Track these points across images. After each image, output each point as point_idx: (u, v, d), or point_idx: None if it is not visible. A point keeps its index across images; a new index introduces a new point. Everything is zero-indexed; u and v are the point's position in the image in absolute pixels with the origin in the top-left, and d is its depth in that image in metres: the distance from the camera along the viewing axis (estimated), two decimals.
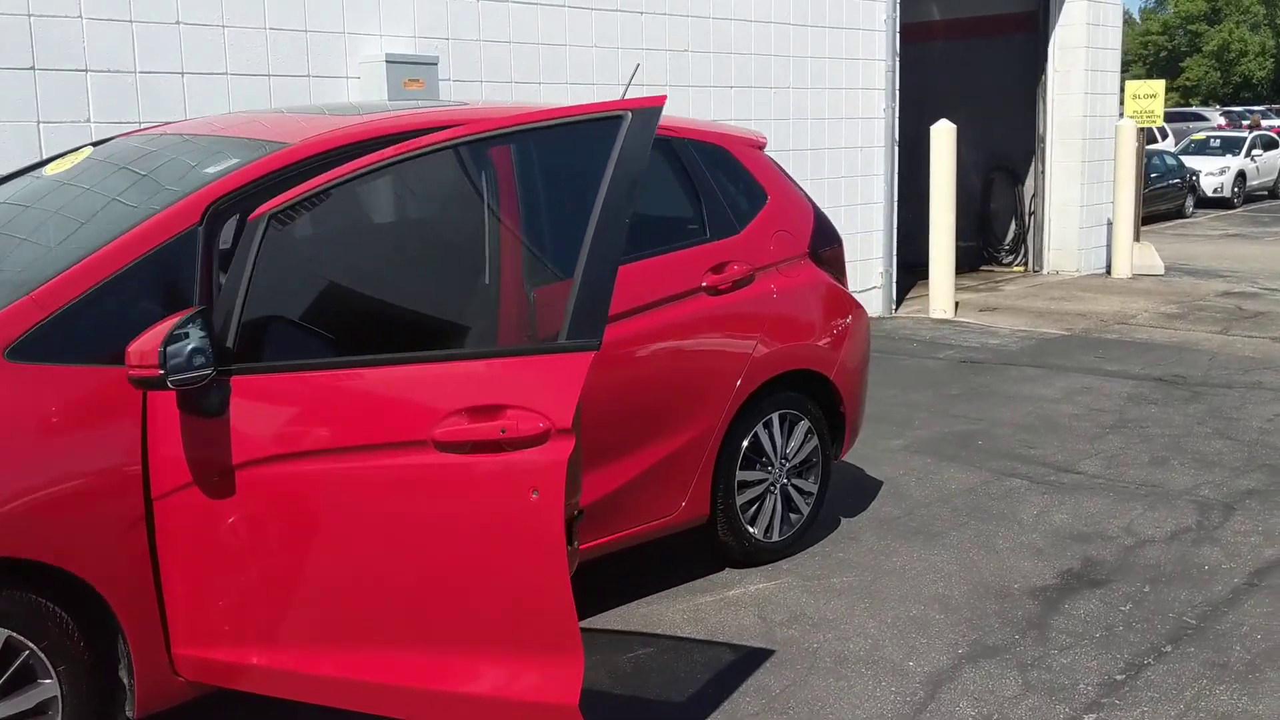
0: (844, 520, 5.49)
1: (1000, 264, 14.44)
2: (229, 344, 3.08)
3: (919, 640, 4.26)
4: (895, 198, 10.98)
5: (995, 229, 14.57)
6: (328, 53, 6.99)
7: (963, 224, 14.40)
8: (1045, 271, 13.67)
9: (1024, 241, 14.15)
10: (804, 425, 4.99)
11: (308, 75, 6.89)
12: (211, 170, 3.57)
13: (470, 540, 2.80)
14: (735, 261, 4.70)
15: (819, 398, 5.08)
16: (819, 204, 5.32)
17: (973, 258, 14.59)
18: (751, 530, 4.86)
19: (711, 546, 4.86)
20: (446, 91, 7.46)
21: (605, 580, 4.73)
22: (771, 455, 4.88)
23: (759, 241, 4.83)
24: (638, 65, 5.97)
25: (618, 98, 3.37)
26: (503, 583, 2.80)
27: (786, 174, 5.18)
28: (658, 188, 4.72)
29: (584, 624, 4.37)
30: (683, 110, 8.95)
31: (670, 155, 4.68)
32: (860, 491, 5.89)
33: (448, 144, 3.12)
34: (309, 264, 3.23)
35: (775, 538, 4.97)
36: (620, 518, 4.35)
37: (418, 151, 3.09)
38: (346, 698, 3.03)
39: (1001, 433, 6.93)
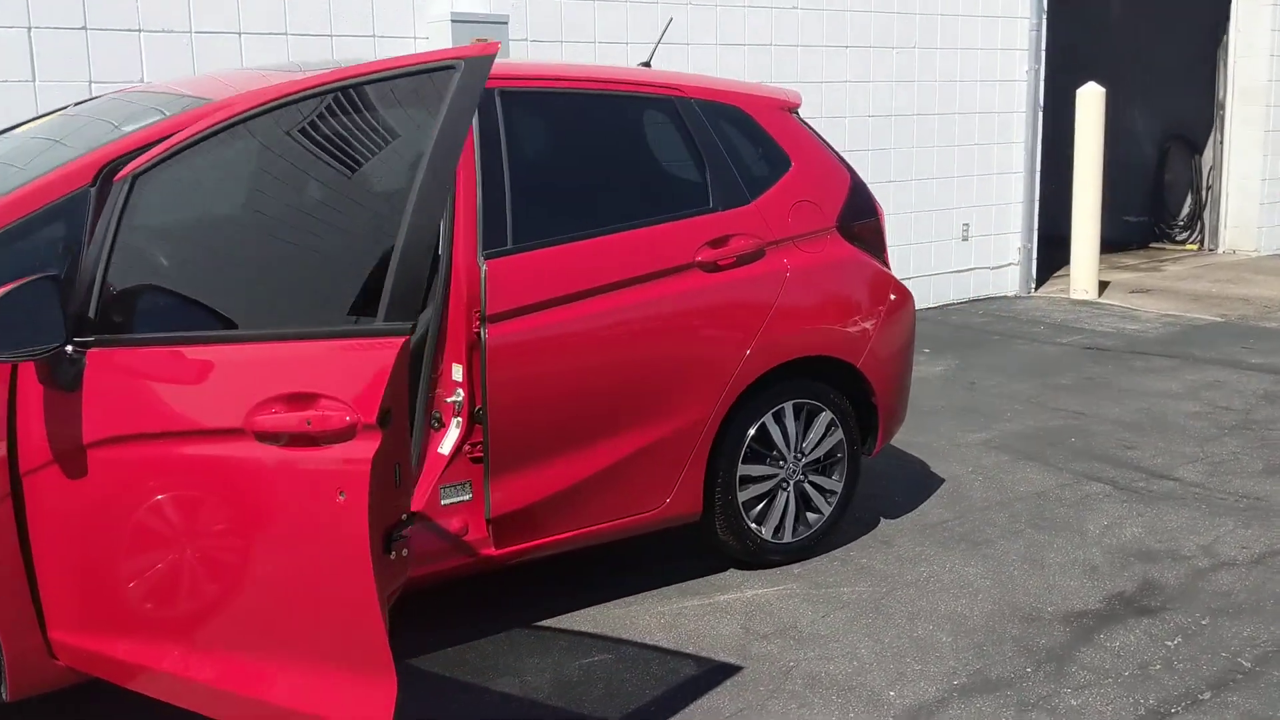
0: (883, 521, 4.99)
1: (1173, 241, 13.29)
2: (90, 314, 2.87)
3: (913, 666, 3.78)
4: (1037, 167, 10.15)
5: (1169, 203, 13.42)
6: (394, 10, 6.80)
7: (1134, 198, 13.38)
8: (1220, 250, 12.51)
9: (1199, 217, 12.98)
10: (825, 417, 4.52)
11: (372, 35, 6.72)
12: (126, 129, 3.37)
13: (282, 542, 2.52)
14: (741, 234, 4.26)
15: (847, 388, 4.59)
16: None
17: (1143, 234, 13.51)
18: (758, 530, 4.43)
19: (711, 546, 4.46)
20: (521, 52, 7.18)
21: (596, 573, 4.40)
22: (783, 449, 4.43)
23: (774, 213, 4.37)
24: (670, 20, 5.57)
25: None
26: (311, 591, 2.51)
27: (820, 138, 4.69)
28: (655, 151, 4.33)
29: (552, 622, 4.06)
30: (789, 74, 8.44)
31: (672, 115, 4.27)
32: (915, 489, 5.36)
33: (271, 105, 2.79)
34: (176, 231, 2.99)
35: (787, 539, 4.52)
36: (589, 511, 4.01)
37: (249, 113, 2.78)
38: (176, 694, 2.80)
39: (1101, 430, 6.24)
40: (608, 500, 4.04)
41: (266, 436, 2.52)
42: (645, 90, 4.25)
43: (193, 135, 2.85)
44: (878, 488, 5.36)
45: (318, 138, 2.76)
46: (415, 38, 6.87)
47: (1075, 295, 10.02)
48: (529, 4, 7.25)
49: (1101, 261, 11.52)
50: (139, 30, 6.04)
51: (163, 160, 2.87)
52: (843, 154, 4.58)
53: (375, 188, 2.76)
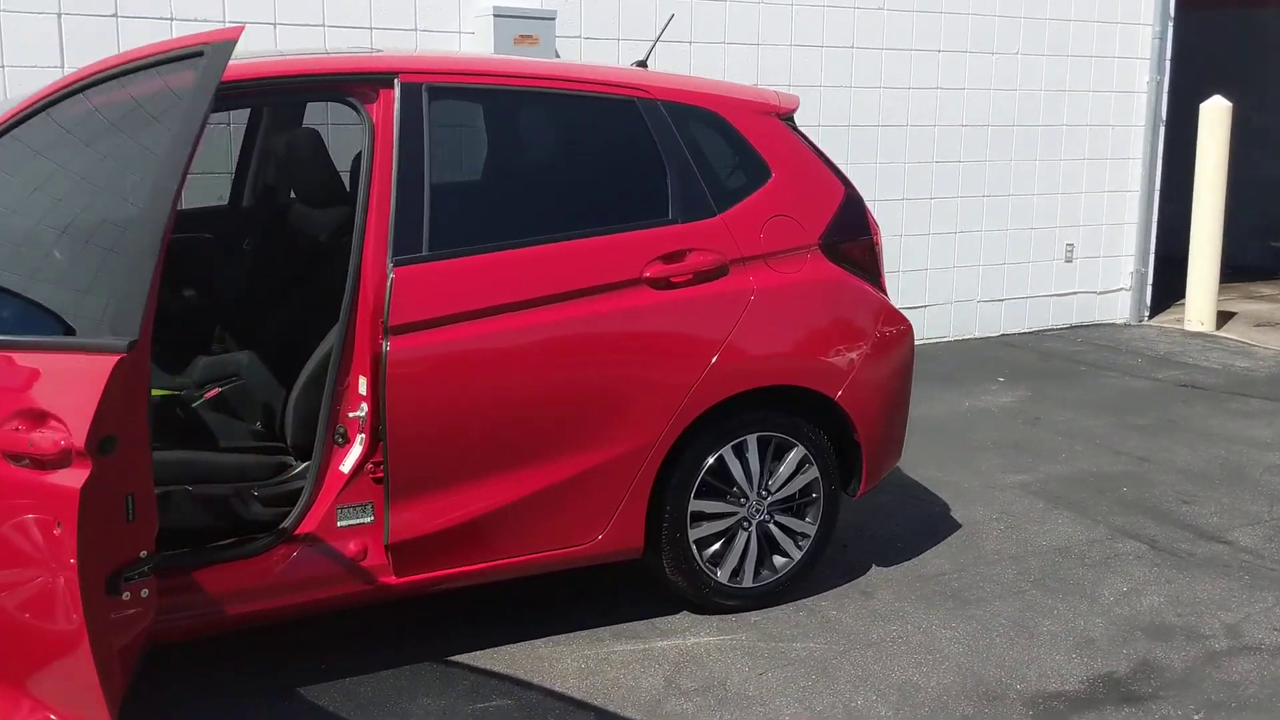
0: (874, 569, 4.56)
1: None
2: None
3: None
4: (1156, 187, 9.39)
5: None
6: (438, 3, 6.62)
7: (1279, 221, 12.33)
8: None
9: None
10: (797, 453, 4.13)
11: (415, 29, 6.56)
12: None
13: (12, 568, 2.31)
14: (701, 250, 3.91)
15: (826, 422, 4.19)
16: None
17: None
18: (711, 572, 4.07)
19: (662, 586, 4.12)
20: (573, 51, 6.93)
21: (537, 605, 4.12)
22: (744, 485, 4.07)
23: (743, 227, 4.00)
24: (672, 16, 5.23)
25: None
26: (32, 624, 2.30)
27: (813, 148, 4.29)
28: (609, 156, 4.02)
29: (467, 658, 3.79)
30: (870, 77, 7.98)
31: (634, 118, 3.94)
32: (924, 534, 4.90)
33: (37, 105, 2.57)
34: None
35: (747, 583, 4.15)
36: (507, 542, 3.72)
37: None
38: None
39: (1163, 479, 5.64)
40: (530, 531, 3.75)
41: (12, 455, 2.32)
42: (603, 90, 3.93)
43: None
44: (883, 529, 4.92)
45: (74, 139, 2.55)
46: (460, 31, 6.69)
47: (1189, 326, 9.24)
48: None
49: (1234, 290, 10.68)
50: (170, 19, 6.01)
51: None
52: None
53: (117, 185, 2.54)
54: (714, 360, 3.89)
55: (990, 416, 6.67)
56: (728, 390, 3.93)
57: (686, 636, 3.99)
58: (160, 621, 2.84)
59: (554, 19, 6.69)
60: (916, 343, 4.53)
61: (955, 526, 5.01)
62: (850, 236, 4.22)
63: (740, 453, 4.04)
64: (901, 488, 5.44)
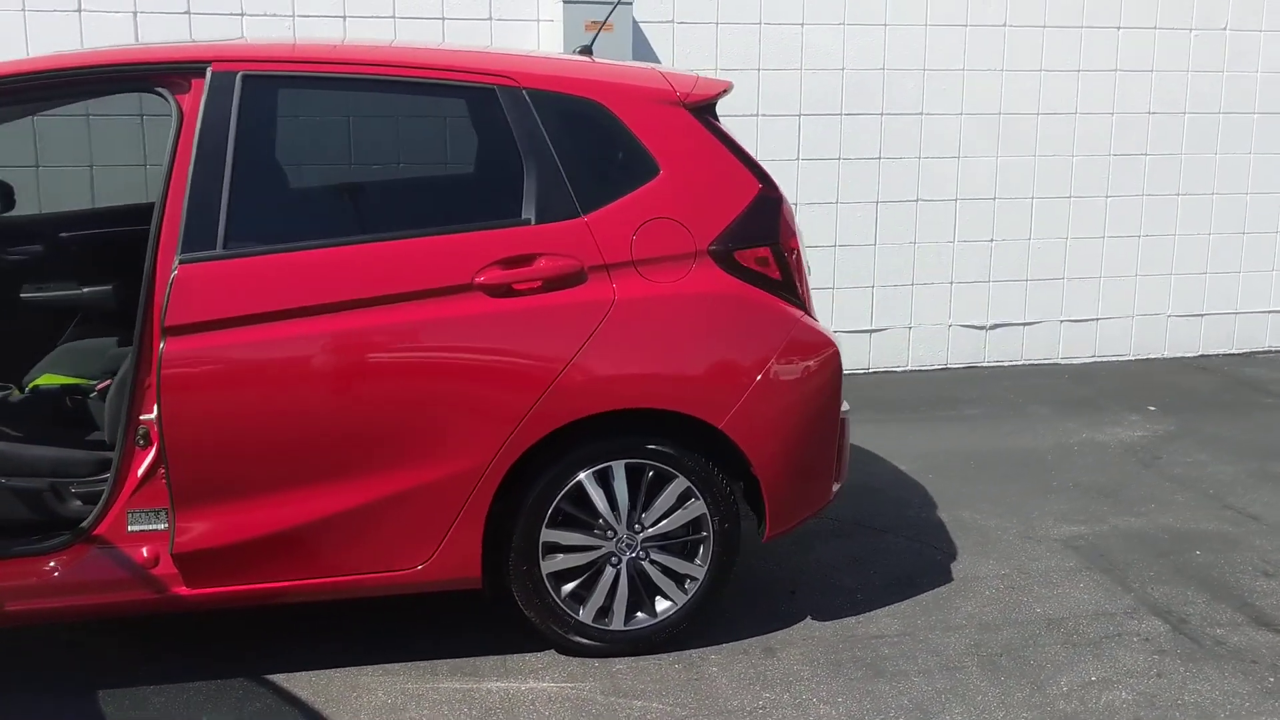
0: (807, 621, 3.98)
1: None
2: None
3: None
4: None
5: None
6: None
7: None
8: None
9: None
10: (678, 485, 3.65)
11: (489, 19, 6.40)
12: None
13: None
14: (553, 254, 3.51)
15: (720, 453, 3.69)
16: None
17: None
18: (571, 610, 3.68)
19: (521, 622, 3.76)
20: (664, 37, 6.54)
21: (392, 627, 3.87)
22: (610, 517, 3.64)
23: (610, 230, 3.57)
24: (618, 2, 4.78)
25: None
26: None
27: (725, 140, 3.75)
28: (456, 150, 3.69)
29: (281, 677, 3.60)
30: (1028, 60, 7.07)
31: (493, 108, 3.59)
32: (898, 585, 4.24)
33: None
34: None
35: (616, 625, 3.72)
36: (315, 561, 3.48)
37: None
38: None
39: (1258, 545, 4.63)
40: (342, 553, 3.49)
41: None
42: (456, 78, 3.60)
43: None
44: (850, 577, 4.31)
45: None
46: (539, 19, 6.46)
47: None
48: None
49: None
50: (241, 14, 6.15)
51: None
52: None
53: None
54: (558, 378, 3.48)
55: (1100, 452, 5.73)
56: (575, 412, 3.52)
57: (527, 679, 3.61)
58: None
59: (631, 2, 6.34)
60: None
61: (942, 581, 4.30)
62: (753, 243, 3.67)
63: (605, 481, 3.62)
64: (914, 528, 4.75)
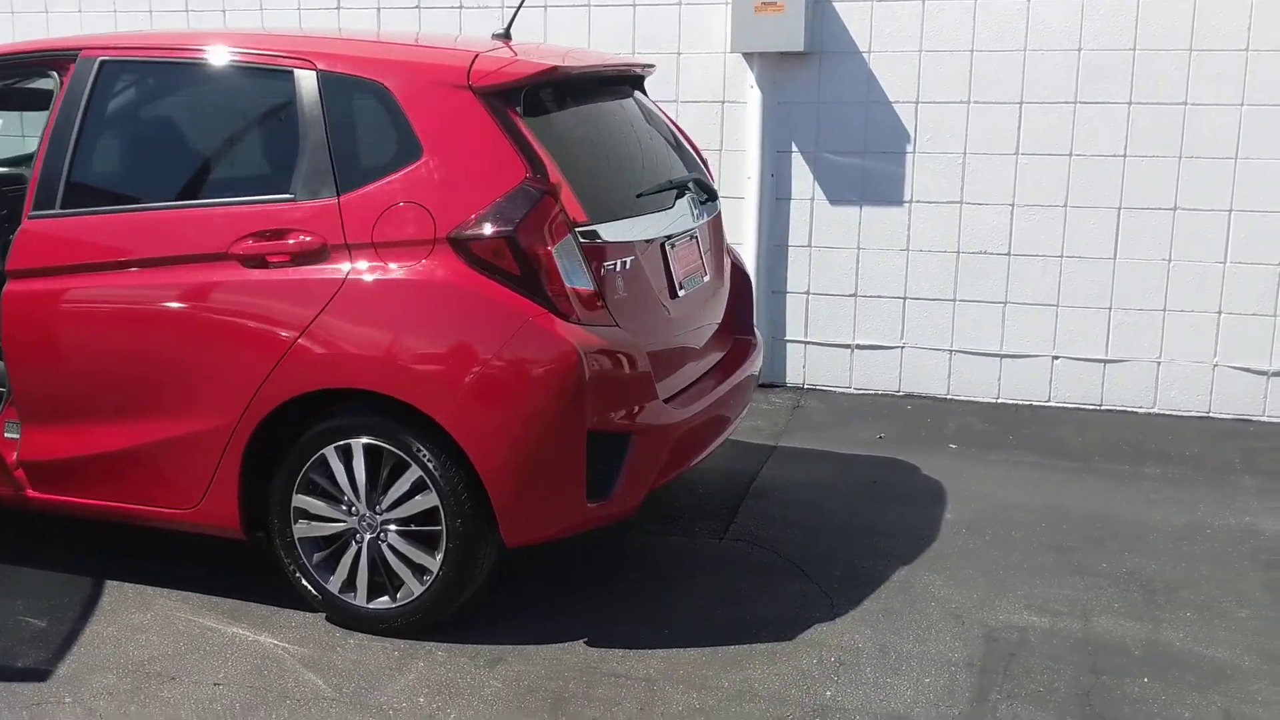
0: (575, 645, 3.72)
1: None
2: None
3: None
4: None
5: None
6: None
7: None
8: None
9: None
10: (412, 473, 3.63)
11: (544, 6, 6.33)
12: None
13: None
14: (304, 231, 3.66)
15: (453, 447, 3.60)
16: None
17: None
18: (322, 578, 3.81)
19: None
20: (862, 17, 6.02)
21: (210, 563, 4.23)
22: (351, 494, 3.71)
23: (360, 212, 3.62)
24: None
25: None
26: None
27: (509, 129, 3.58)
28: (254, 129, 3.93)
29: (65, 575, 4.13)
30: (1168, 37, 5.52)
31: (285, 90, 3.79)
32: (728, 631, 3.77)
33: None
34: None
35: (359, 602, 3.78)
36: (122, 487, 3.92)
37: None
38: None
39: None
40: (141, 483, 3.93)
41: None
42: (263, 61, 3.83)
43: None
44: (702, 615, 3.90)
45: None
46: (590, 5, 6.30)
47: None
48: None
49: None
50: (261, 9, 6.71)
51: None
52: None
53: None
54: (289, 351, 3.63)
55: (1233, 548, 4.45)
56: (304, 385, 3.64)
57: (263, 632, 3.80)
58: None
59: None
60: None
61: (773, 637, 3.74)
62: (491, 235, 3.49)
63: (346, 457, 3.70)
64: (836, 577, 4.12)
